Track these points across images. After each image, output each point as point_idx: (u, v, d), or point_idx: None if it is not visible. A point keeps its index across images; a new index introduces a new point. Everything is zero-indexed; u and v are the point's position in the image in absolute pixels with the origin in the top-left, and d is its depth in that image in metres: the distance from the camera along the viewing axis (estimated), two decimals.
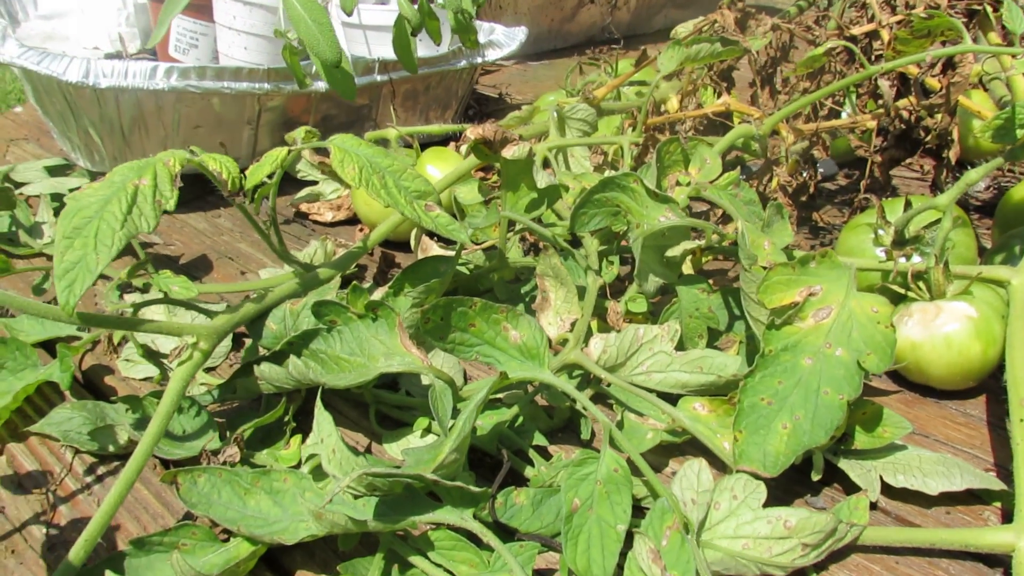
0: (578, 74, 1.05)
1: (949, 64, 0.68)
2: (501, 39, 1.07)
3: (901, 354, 0.65)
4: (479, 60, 1.05)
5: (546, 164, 0.82)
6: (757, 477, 0.49)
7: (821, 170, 0.88)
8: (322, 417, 0.51)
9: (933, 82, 0.74)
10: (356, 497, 0.48)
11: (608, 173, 0.64)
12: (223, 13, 0.92)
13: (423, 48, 1.01)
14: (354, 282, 0.59)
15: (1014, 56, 0.62)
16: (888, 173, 0.80)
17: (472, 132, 0.64)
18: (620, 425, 0.57)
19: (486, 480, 0.54)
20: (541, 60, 1.54)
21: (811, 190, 0.85)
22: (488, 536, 0.45)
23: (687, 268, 0.71)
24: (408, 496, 0.48)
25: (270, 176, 0.53)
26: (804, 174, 0.82)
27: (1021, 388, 0.55)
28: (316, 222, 0.93)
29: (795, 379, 0.53)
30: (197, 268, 0.84)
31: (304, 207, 0.93)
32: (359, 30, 1.06)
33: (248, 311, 0.56)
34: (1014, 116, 0.64)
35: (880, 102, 0.70)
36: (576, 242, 0.69)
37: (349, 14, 0.82)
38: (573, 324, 0.62)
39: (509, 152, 0.63)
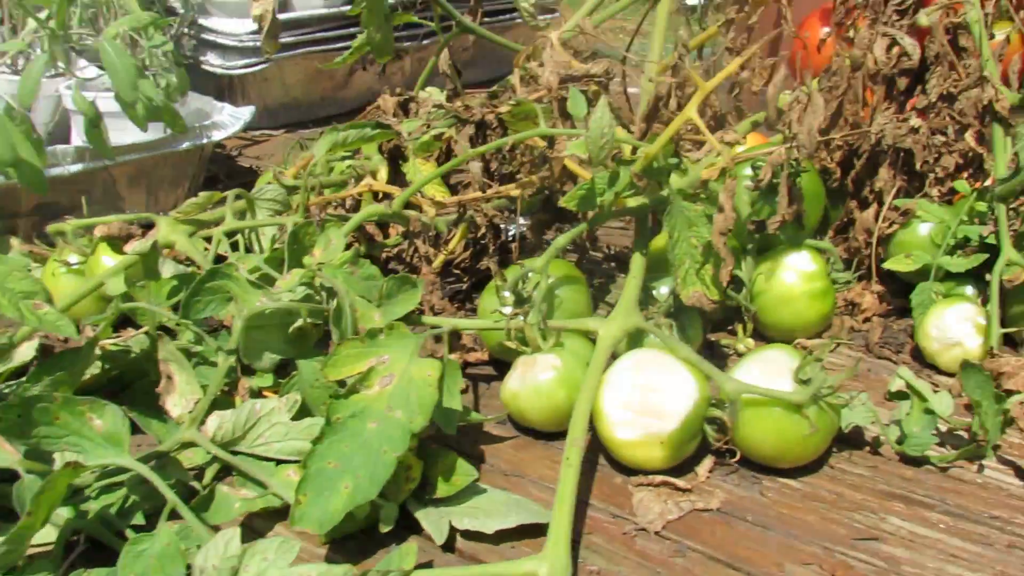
0: (299, 150, 1.11)
1: (551, 141, 0.77)
2: (226, 120, 1.13)
3: (506, 404, 0.73)
4: (204, 141, 1.10)
5: (235, 247, 0.88)
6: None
7: (510, 230, 0.97)
8: None
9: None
10: None
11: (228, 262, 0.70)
12: None
13: (142, 134, 1.05)
14: None
15: (570, 137, 0.71)
16: (541, 235, 0.88)
17: (99, 230, 0.69)
18: (210, 497, 0.62)
19: None
20: (319, 127, 1.60)
21: (490, 250, 0.93)
22: None
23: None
24: None
25: None
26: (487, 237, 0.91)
27: (577, 429, 0.64)
28: None
29: (360, 442, 0.59)
30: None
31: None
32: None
33: None
34: (594, 187, 0.73)
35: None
36: None
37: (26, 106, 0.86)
38: (197, 403, 0.67)
39: (130, 247, 0.68)
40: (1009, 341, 0.80)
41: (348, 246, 0.92)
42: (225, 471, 0.68)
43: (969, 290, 0.86)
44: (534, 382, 0.70)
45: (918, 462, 0.70)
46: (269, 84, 1.51)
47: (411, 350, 0.63)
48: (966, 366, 0.66)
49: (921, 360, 0.84)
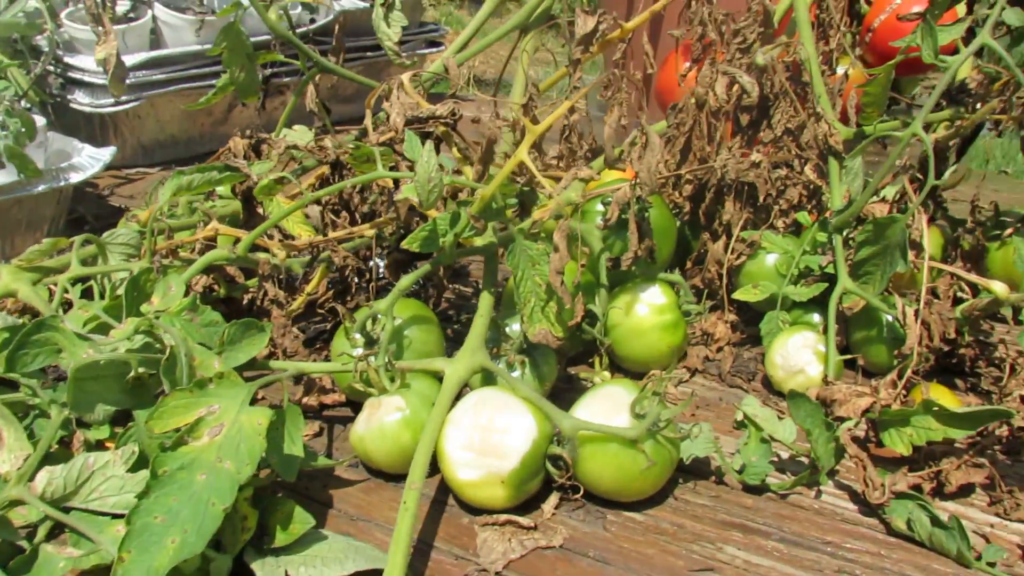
0: (159, 190, 1.09)
1: (397, 183, 0.77)
2: (85, 161, 1.10)
3: (354, 447, 0.72)
4: (60, 183, 1.07)
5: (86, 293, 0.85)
6: None
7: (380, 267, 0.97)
8: None
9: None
10: None
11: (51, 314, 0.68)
12: None
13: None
14: None
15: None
16: (398, 275, 0.88)
17: None
18: (33, 558, 0.60)
19: None
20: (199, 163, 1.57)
21: (352, 290, 0.93)
22: None
23: None
24: None
25: None
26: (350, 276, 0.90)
27: (416, 473, 0.63)
28: None
29: (189, 495, 0.58)
30: None
31: None
32: None
33: None
34: (435, 228, 0.73)
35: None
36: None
37: None
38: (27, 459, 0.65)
39: None
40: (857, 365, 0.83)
41: (209, 290, 0.91)
42: (61, 528, 0.65)
43: (816, 318, 0.90)
44: (379, 424, 0.69)
45: (759, 490, 0.72)
46: (143, 121, 1.48)
47: (242, 399, 0.61)
48: (793, 396, 0.68)
49: (771, 388, 0.86)
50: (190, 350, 0.67)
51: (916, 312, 0.77)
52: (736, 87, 0.89)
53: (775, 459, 0.76)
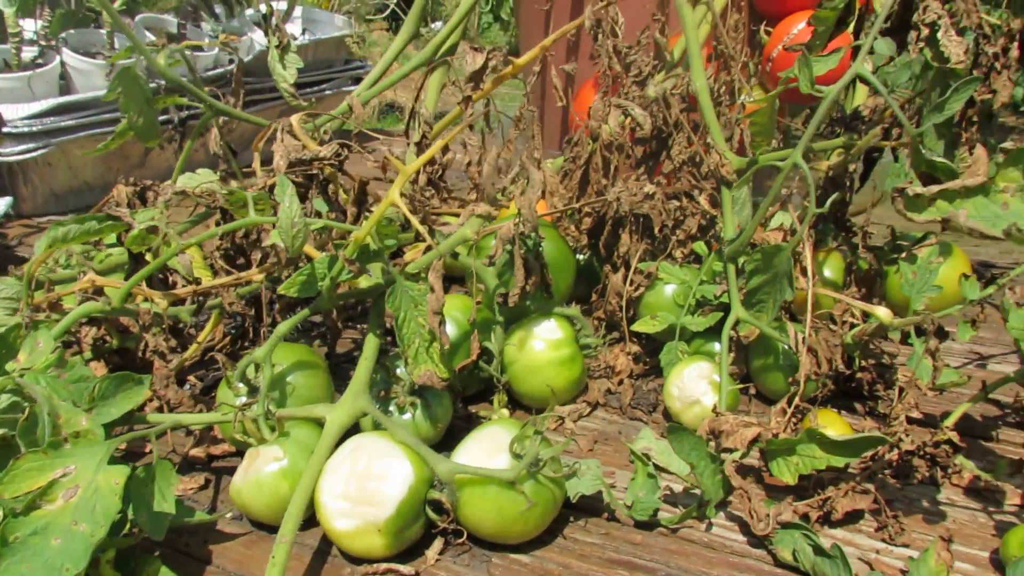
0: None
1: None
2: None
3: (233, 499, 0.70)
4: None
5: None
6: None
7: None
8: None
9: None
10: None
11: None
12: None
13: None
14: None
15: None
16: (286, 317, 0.87)
17: None
18: None
19: None
20: None
21: (250, 336, 0.91)
22: None
23: None
24: None
25: None
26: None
27: (288, 526, 0.62)
28: None
29: (42, 562, 0.55)
30: None
31: None
32: None
33: None
34: (314, 272, 0.72)
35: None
36: None
37: None
38: None
39: None
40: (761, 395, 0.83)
41: (102, 341, 0.88)
42: None
43: (717, 347, 0.89)
44: (256, 476, 0.68)
45: (650, 525, 0.72)
46: (54, 169, 1.45)
47: (100, 458, 0.60)
48: (673, 431, 0.68)
49: (671, 419, 0.86)
50: (55, 408, 0.65)
51: (803, 339, 0.77)
52: (629, 119, 0.89)
53: (668, 492, 0.76)
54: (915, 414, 0.81)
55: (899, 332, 0.82)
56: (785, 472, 0.71)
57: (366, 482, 0.64)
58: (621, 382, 0.90)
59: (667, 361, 0.88)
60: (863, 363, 0.88)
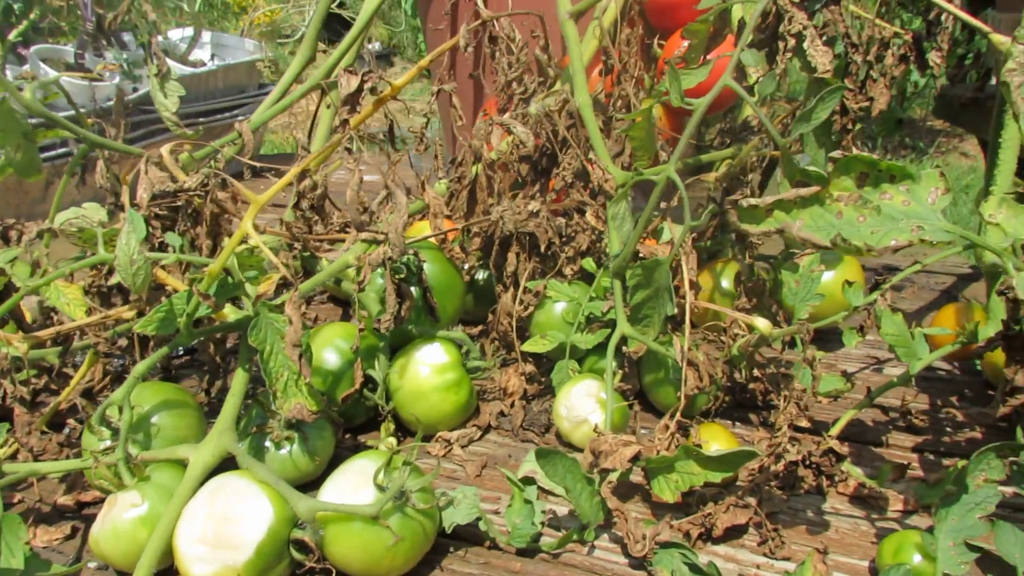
0: None
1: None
2: None
3: (92, 549, 0.67)
4: None
5: None
6: None
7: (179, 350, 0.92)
8: None
9: None
10: None
11: None
12: None
13: None
14: None
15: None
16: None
17: None
18: None
19: None
20: None
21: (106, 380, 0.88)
22: None
23: None
24: None
25: None
26: None
27: (142, 574, 0.59)
28: None
29: None
30: None
31: None
32: None
33: None
34: (172, 308, 0.69)
35: None
36: None
37: None
38: None
39: None
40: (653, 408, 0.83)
41: None
42: None
43: (614, 364, 0.89)
44: (112, 523, 0.65)
45: (533, 552, 0.70)
46: None
47: None
48: (542, 455, 0.67)
49: (563, 439, 0.85)
50: None
51: (685, 353, 0.77)
52: (513, 137, 0.88)
53: (553, 516, 0.74)
54: (803, 423, 0.81)
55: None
56: (666, 490, 0.71)
57: (224, 525, 0.62)
58: (513, 404, 0.88)
59: (558, 380, 0.87)
60: (756, 374, 0.87)
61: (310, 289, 0.82)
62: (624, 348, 0.84)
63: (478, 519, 0.69)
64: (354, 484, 0.65)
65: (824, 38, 0.81)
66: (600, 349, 0.89)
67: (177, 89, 1.01)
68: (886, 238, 0.48)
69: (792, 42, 0.80)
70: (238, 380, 0.73)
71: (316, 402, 0.70)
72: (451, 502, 0.68)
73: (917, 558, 0.64)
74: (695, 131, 0.77)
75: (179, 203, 0.76)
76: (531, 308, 0.89)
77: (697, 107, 0.78)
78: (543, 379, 0.92)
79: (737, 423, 0.88)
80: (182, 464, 0.69)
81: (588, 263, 0.91)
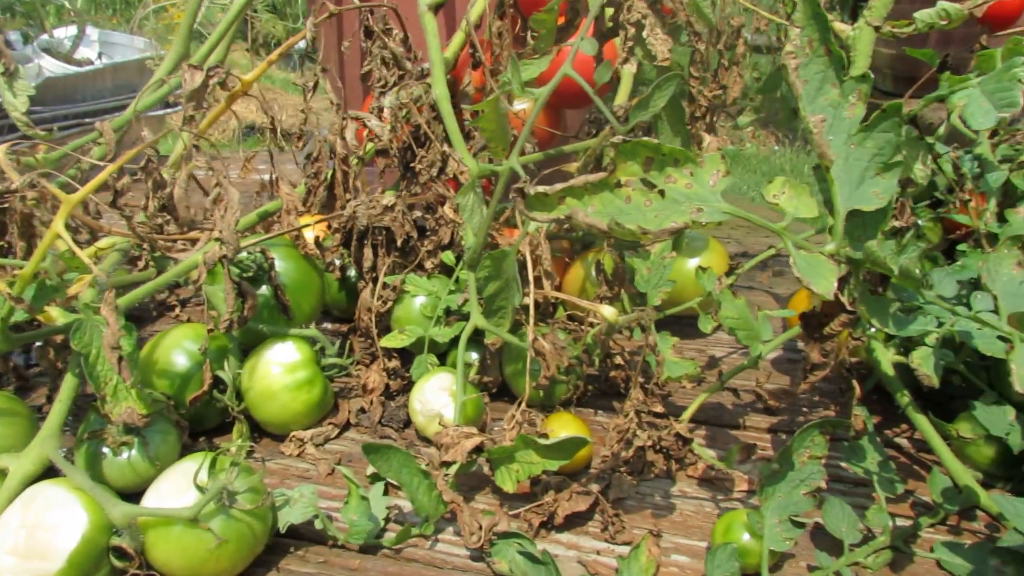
0: None
1: None
2: None
3: None
4: None
5: None
6: None
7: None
8: None
9: None
10: None
11: None
12: None
13: None
14: None
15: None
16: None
17: None
18: None
19: None
20: None
21: None
22: None
23: None
24: None
25: None
26: None
27: None
28: None
29: None
30: None
31: None
32: None
33: None
34: None
35: None
36: None
37: None
38: None
39: None
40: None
41: None
42: None
43: (474, 356, 0.88)
44: None
45: (374, 548, 0.69)
46: None
47: None
48: (369, 450, 0.66)
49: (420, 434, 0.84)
50: None
51: (531, 344, 0.77)
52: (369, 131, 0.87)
53: (398, 511, 0.74)
54: (658, 408, 0.82)
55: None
56: (507, 480, 0.70)
57: (36, 534, 0.60)
58: (372, 401, 0.87)
59: (417, 375, 0.87)
60: (619, 362, 0.88)
61: (152, 291, 0.80)
62: (486, 340, 0.84)
63: (315, 517, 0.68)
64: (178, 487, 0.63)
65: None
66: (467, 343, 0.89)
67: (26, 88, 0.98)
68: (667, 220, 0.48)
69: (632, 31, 0.81)
70: (66, 385, 0.70)
71: (146, 405, 0.68)
72: (287, 501, 0.67)
73: (746, 536, 0.65)
74: (532, 124, 0.77)
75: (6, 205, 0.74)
76: (390, 303, 0.88)
77: (538, 97, 0.78)
78: (407, 374, 0.91)
79: (600, 411, 0.88)
80: (3, 474, 0.66)
81: (447, 256, 0.90)
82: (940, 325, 0.66)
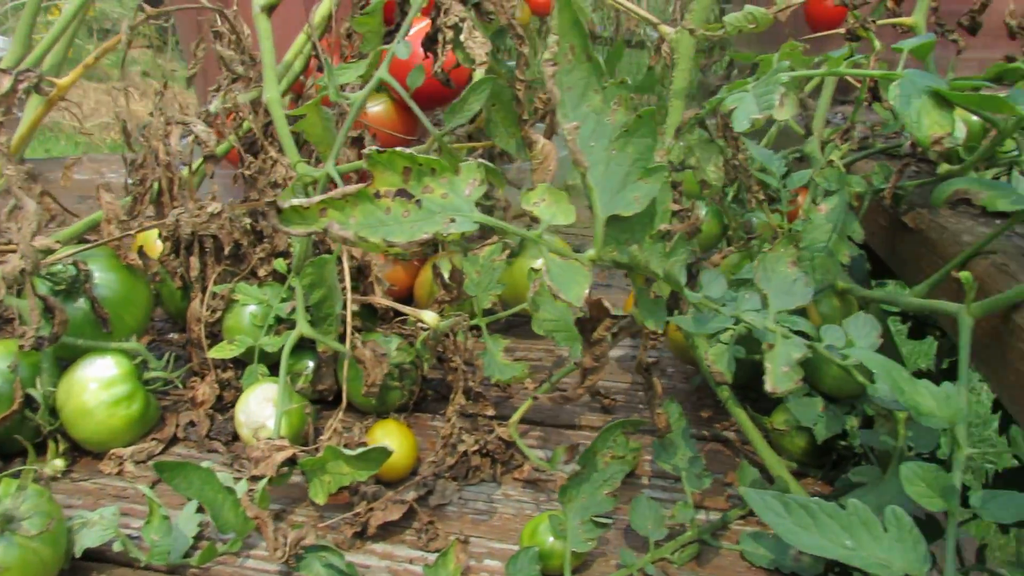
0: None
1: None
2: None
3: None
4: None
5: None
6: None
7: None
8: None
9: None
10: None
11: None
12: None
13: None
14: None
15: None
16: None
17: None
18: None
19: None
20: None
21: None
22: None
23: None
24: None
25: None
26: None
27: None
28: None
29: None
30: None
31: None
32: None
33: None
34: None
35: None
36: None
37: None
38: None
39: None
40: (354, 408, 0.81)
41: None
42: None
43: (311, 364, 0.87)
44: None
45: (181, 568, 0.68)
46: None
47: None
48: (163, 468, 0.64)
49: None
50: None
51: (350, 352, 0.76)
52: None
53: (211, 527, 0.72)
54: (489, 412, 0.82)
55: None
56: (319, 492, 0.70)
57: None
58: (201, 414, 0.85)
59: (247, 385, 0.85)
60: (453, 365, 0.87)
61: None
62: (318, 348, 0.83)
63: (114, 540, 0.66)
64: None
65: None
66: (300, 351, 0.87)
67: None
68: (419, 232, 0.48)
69: (450, 34, 0.80)
70: None
71: None
72: (84, 524, 0.65)
73: (551, 539, 0.65)
74: (348, 128, 0.76)
75: None
76: (219, 313, 0.87)
77: (353, 102, 0.77)
78: (240, 386, 0.89)
79: (437, 416, 0.88)
80: None
81: (280, 264, 0.89)
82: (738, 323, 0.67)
